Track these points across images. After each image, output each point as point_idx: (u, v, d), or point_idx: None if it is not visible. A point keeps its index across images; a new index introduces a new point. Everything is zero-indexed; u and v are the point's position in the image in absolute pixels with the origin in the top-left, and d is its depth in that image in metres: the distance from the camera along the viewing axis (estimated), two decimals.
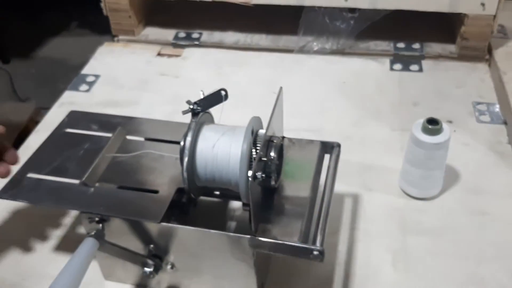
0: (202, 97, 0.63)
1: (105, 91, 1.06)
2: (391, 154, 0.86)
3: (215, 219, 0.75)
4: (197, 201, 0.72)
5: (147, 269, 0.63)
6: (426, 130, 0.72)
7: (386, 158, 0.85)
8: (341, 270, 0.70)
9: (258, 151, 0.59)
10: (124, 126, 0.74)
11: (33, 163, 0.70)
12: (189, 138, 0.60)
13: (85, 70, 1.12)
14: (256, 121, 0.63)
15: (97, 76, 1.09)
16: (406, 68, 1.06)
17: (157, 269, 0.64)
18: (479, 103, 0.96)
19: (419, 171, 0.75)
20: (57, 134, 0.75)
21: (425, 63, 1.07)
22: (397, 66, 1.07)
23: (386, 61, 1.09)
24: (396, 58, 1.09)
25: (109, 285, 0.69)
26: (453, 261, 0.70)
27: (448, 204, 0.78)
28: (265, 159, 0.59)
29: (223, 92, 0.61)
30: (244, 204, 0.67)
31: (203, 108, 0.62)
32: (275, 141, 0.61)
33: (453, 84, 1.01)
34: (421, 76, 1.04)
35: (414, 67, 1.06)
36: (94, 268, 0.65)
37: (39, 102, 1.99)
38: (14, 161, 0.69)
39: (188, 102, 0.62)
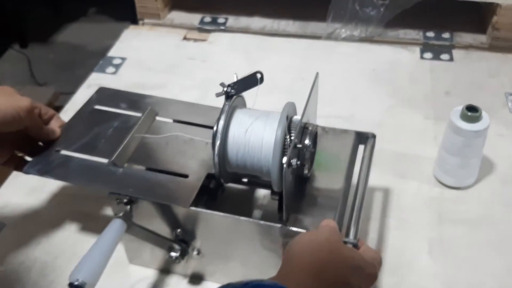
0: (236, 79, 0.61)
1: (132, 74, 1.05)
2: (425, 143, 0.84)
3: (242, 206, 0.73)
4: (225, 187, 0.70)
5: (173, 254, 0.62)
6: (465, 117, 0.71)
7: (420, 147, 0.84)
8: None
9: (293, 137, 0.57)
10: (154, 107, 0.73)
11: (62, 138, 0.69)
12: (221, 122, 0.58)
13: (111, 53, 1.11)
14: (291, 107, 0.61)
15: (123, 59, 1.08)
16: (436, 57, 1.05)
17: (183, 254, 0.63)
18: None
19: (456, 159, 0.74)
20: (86, 111, 0.74)
21: (456, 52, 1.06)
22: (428, 55, 1.05)
23: (416, 49, 1.07)
24: (426, 47, 1.07)
25: (134, 268, 0.69)
26: (490, 251, 0.69)
27: (484, 194, 0.77)
28: (300, 146, 0.57)
29: (258, 75, 0.59)
30: (272, 193, 0.65)
31: (237, 91, 0.60)
32: (310, 128, 0.59)
33: (485, 75, 1.00)
34: (452, 65, 1.03)
35: (445, 56, 1.05)
36: (119, 251, 0.63)
37: (57, 87, 2.03)
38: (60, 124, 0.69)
39: (222, 85, 0.60)
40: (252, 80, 0.59)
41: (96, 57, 1.11)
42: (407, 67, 1.02)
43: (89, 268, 0.53)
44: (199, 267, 0.65)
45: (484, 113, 0.72)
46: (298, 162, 0.55)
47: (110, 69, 1.06)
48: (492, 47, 1.05)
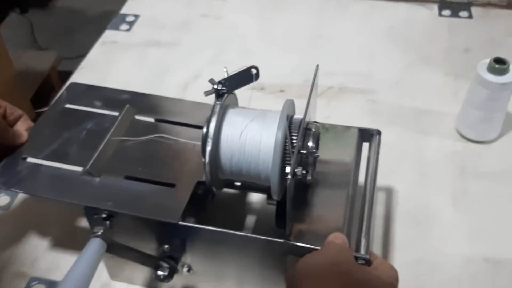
0: (226, 75, 0.53)
1: (146, 31, 1.04)
2: (445, 100, 0.84)
3: (234, 212, 0.67)
4: (214, 194, 0.63)
5: (160, 273, 0.55)
6: (492, 70, 0.70)
7: (440, 104, 0.84)
8: (399, 210, 0.69)
9: (294, 141, 0.50)
10: (132, 104, 0.65)
11: (29, 143, 0.61)
12: (212, 124, 0.51)
13: (124, 10, 1.09)
14: (291, 106, 0.54)
15: (136, 16, 1.07)
16: (455, 14, 1.03)
17: (172, 272, 0.56)
18: None
19: (480, 113, 0.74)
20: (56, 111, 0.66)
21: (474, 9, 1.04)
22: (446, 12, 1.03)
23: (434, 7, 1.05)
24: (443, 4, 1.05)
25: (116, 285, 0.61)
26: None
27: (507, 148, 0.77)
28: (304, 151, 0.50)
29: (254, 70, 0.52)
30: (269, 198, 0.59)
31: (229, 88, 0.53)
32: (313, 129, 0.52)
33: (504, 32, 0.98)
34: (471, 22, 1.02)
35: (463, 13, 1.03)
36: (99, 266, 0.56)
37: (59, 53, 2.00)
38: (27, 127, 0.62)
39: (211, 81, 0.53)
40: (246, 76, 0.52)
41: (97, 22, 1.09)
42: (425, 24, 1.01)
43: None
44: (190, 284, 0.59)
45: (511, 66, 0.71)
46: (304, 171, 0.48)
47: (124, 26, 1.04)
48: (510, 5, 1.03)
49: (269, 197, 0.58)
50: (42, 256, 0.66)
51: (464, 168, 0.74)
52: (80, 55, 1.01)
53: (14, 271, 0.64)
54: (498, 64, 0.70)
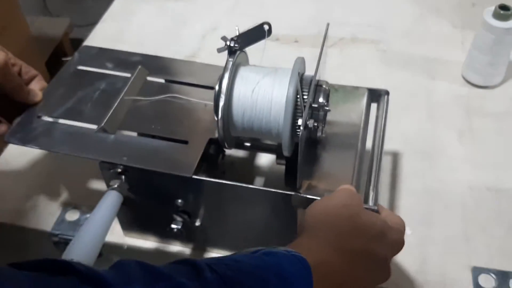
0: (237, 32, 0.54)
1: None
2: (453, 48, 0.88)
3: (243, 172, 0.68)
4: (225, 153, 0.65)
5: (174, 226, 0.57)
6: (497, 16, 0.75)
7: (448, 52, 0.88)
8: (408, 146, 0.73)
9: (305, 96, 0.51)
10: (144, 66, 0.66)
11: (43, 103, 0.62)
12: (225, 81, 0.52)
13: None
14: (301, 63, 0.55)
15: None
16: None
17: (185, 225, 0.57)
18: None
19: (486, 57, 0.78)
20: (68, 72, 0.66)
21: None
22: None
23: None
24: None
25: (130, 241, 0.63)
26: None
27: (510, 91, 0.81)
28: (315, 105, 0.51)
29: (266, 26, 0.52)
30: (278, 157, 0.60)
31: (241, 45, 0.53)
32: (324, 85, 0.53)
33: None
34: None
35: None
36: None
37: (71, 20, 2.00)
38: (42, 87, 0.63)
39: (224, 39, 0.53)
40: (258, 33, 0.53)
41: None
42: None
43: (84, 248, 0.47)
44: (202, 238, 0.60)
45: None
46: (315, 124, 0.50)
47: None
48: None
49: (278, 157, 0.60)
50: (76, 187, 0.69)
51: (469, 109, 0.78)
52: (90, 23, 1.01)
53: (50, 197, 0.68)
54: (503, 10, 0.74)
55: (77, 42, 2.04)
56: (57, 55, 1.88)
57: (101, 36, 0.93)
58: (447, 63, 0.86)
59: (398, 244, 0.48)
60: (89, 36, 0.92)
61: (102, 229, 0.49)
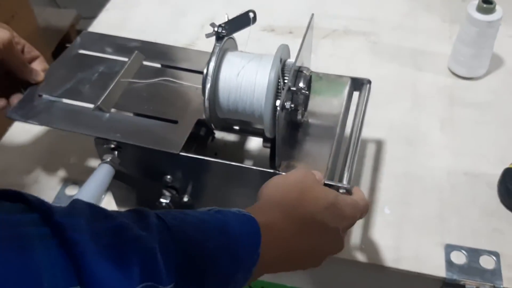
0: (227, 19, 0.58)
1: None
2: (441, 42, 0.92)
3: (232, 155, 0.72)
4: (214, 135, 0.69)
5: (163, 200, 0.61)
6: (480, 9, 0.78)
7: (436, 45, 0.92)
8: (392, 133, 0.76)
9: (286, 81, 0.55)
10: (141, 51, 0.70)
11: (45, 83, 0.66)
12: (212, 64, 0.56)
13: None
14: (284, 50, 0.58)
15: None
16: None
17: (173, 201, 0.61)
18: None
19: (470, 50, 0.81)
20: (70, 55, 0.71)
21: None
22: None
23: None
24: None
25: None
26: (496, 129, 0.77)
27: (493, 83, 0.85)
28: (294, 89, 0.55)
29: (251, 14, 0.56)
30: (264, 140, 0.64)
31: (228, 32, 0.57)
32: (304, 71, 0.57)
33: None
34: None
35: None
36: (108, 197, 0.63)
37: (77, 11, 2.06)
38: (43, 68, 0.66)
39: (212, 25, 0.57)
40: (244, 20, 0.57)
41: None
42: None
43: None
44: None
45: (498, 6, 0.78)
46: (292, 105, 0.53)
47: None
48: None
49: (265, 140, 0.64)
50: (75, 163, 0.73)
51: (452, 99, 0.82)
52: (97, 15, 1.05)
53: (51, 173, 0.72)
54: (486, 4, 0.78)
55: None
56: (64, 46, 1.93)
57: (103, 24, 0.97)
58: (434, 56, 0.89)
59: (350, 219, 0.50)
60: (92, 23, 0.96)
61: (94, 197, 0.53)
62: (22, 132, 0.77)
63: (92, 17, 1.01)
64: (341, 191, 0.53)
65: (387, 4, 1.01)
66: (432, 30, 0.95)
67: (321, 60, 0.60)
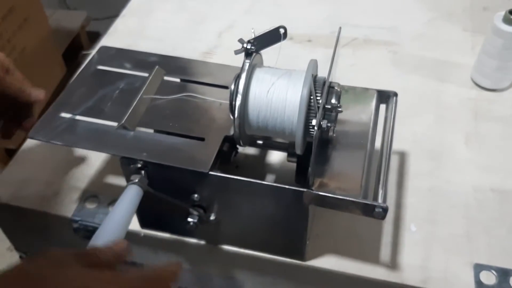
0: (253, 35, 0.57)
1: None
2: (463, 52, 0.91)
3: (253, 168, 0.71)
4: (238, 150, 0.67)
5: (190, 219, 0.59)
6: (507, 20, 0.77)
7: (458, 56, 0.90)
8: (416, 147, 0.75)
9: (318, 97, 0.54)
10: (160, 66, 0.68)
11: (65, 101, 0.65)
12: (242, 81, 0.55)
13: None
14: (315, 65, 0.57)
15: None
16: None
17: (201, 220, 0.60)
18: None
19: (494, 62, 0.81)
20: (88, 72, 0.69)
21: None
22: None
23: None
24: None
25: (146, 233, 0.66)
26: None
27: None
28: (329, 107, 0.53)
29: (282, 30, 0.55)
30: (289, 155, 0.62)
31: (257, 48, 0.56)
32: (335, 87, 0.56)
33: None
34: None
35: None
36: None
37: (88, 12, 2.05)
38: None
39: (241, 41, 0.56)
40: (274, 36, 0.55)
41: None
42: None
43: (108, 237, 0.49)
44: (215, 232, 0.63)
45: None
46: (329, 124, 0.52)
47: None
48: None
49: (289, 155, 0.62)
50: (94, 176, 0.72)
51: (477, 112, 0.81)
52: (107, 17, 1.04)
53: (70, 185, 0.71)
54: None
55: (93, 35, 2.10)
56: (74, 48, 1.94)
57: (120, 31, 0.96)
58: (457, 67, 0.88)
59: None
60: (109, 30, 0.95)
61: (125, 219, 0.52)
62: (39, 143, 0.75)
63: (103, 18, 1.01)
64: (377, 210, 0.52)
65: (407, 13, 1.00)
66: (453, 40, 0.95)
67: (342, 70, 0.59)
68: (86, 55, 2.04)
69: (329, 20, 0.97)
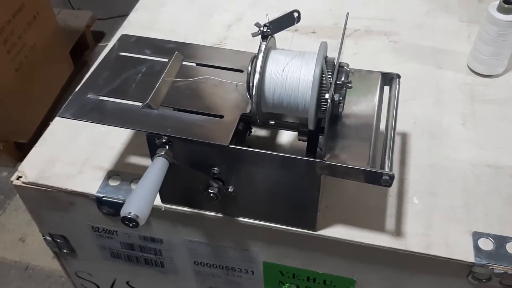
0: (268, 19, 0.61)
1: None
2: (459, 41, 0.97)
3: (265, 148, 0.75)
4: (252, 130, 0.72)
5: (211, 191, 0.64)
6: (501, 9, 0.82)
7: (455, 44, 0.96)
8: (416, 128, 0.81)
9: (329, 76, 0.58)
10: (178, 51, 0.73)
11: (91, 84, 0.69)
12: (259, 62, 0.59)
13: None
14: (325, 47, 0.62)
15: None
16: None
17: (220, 191, 0.64)
18: None
19: (490, 48, 0.86)
20: (111, 57, 0.74)
21: None
22: None
23: None
24: None
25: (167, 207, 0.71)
26: None
27: (511, 81, 0.89)
28: (340, 83, 0.58)
29: (295, 14, 0.60)
30: (300, 134, 0.67)
31: (273, 30, 0.61)
32: (344, 67, 0.61)
33: None
34: None
35: None
36: None
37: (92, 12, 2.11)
38: None
39: (257, 25, 0.61)
40: (288, 19, 0.60)
41: None
42: None
43: (139, 203, 0.54)
44: (232, 205, 0.67)
45: None
46: (340, 98, 0.57)
47: None
48: None
49: (300, 133, 0.67)
50: (116, 156, 0.77)
51: (473, 96, 0.86)
52: (111, 17, 1.09)
53: (94, 165, 0.76)
54: (507, 4, 0.82)
55: (98, 34, 2.15)
56: (80, 46, 2.00)
57: (134, 25, 1.01)
58: (454, 54, 0.93)
59: None
60: (123, 24, 1.00)
61: (153, 189, 0.56)
62: (63, 125, 0.80)
63: (107, 18, 1.05)
64: (384, 177, 0.57)
65: (406, 5, 1.05)
66: (450, 29, 1.00)
67: (346, 59, 0.64)
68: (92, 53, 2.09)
69: (332, 12, 1.02)
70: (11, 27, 1.56)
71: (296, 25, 0.61)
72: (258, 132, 0.78)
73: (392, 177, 0.57)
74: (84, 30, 2.03)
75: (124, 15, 1.05)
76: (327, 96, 0.55)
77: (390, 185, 0.58)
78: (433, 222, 0.68)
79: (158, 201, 0.70)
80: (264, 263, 0.75)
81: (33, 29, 1.67)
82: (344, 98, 0.62)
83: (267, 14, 0.62)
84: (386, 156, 0.59)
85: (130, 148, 0.77)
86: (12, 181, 0.75)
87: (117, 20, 2.15)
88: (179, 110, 0.66)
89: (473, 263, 0.64)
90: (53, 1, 1.96)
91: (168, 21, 1.02)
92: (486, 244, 0.66)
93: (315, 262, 0.72)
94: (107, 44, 0.84)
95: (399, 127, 0.78)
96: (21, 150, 1.73)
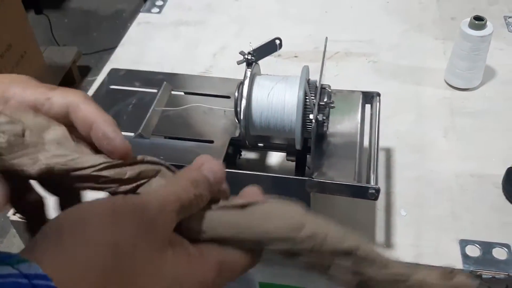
0: (251, 48, 0.65)
1: (175, 13, 1.18)
2: (436, 58, 1.01)
3: (256, 170, 0.78)
4: (241, 153, 0.75)
5: None
6: (473, 26, 0.86)
7: (432, 61, 1.00)
8: (400, 142, 0.84)
9: (312, 97, 0.61)
10: (167, 82, 0.76)
11: None
12: (245, 87, 0.62)
13: None
14: (307, 70, 0.65)
15: (164, 0, 1.22)
16: None
17: None
18: (510, 17, 1.11)
19: (465, 63, 0.90)
20: (102, 91, 0.76)
21: None
22: None
23: None
24: None
25: None
26: (495, 133, 0.85)
27: (488, 93, 0.94)
28: (322, 103, 0.61)
29: (277, 41, 0.63)
30: (288, 154, 0.70)
31: (256, 57, 0.64)
32: (326, 88, 0.64)
33: (485, 3, 1.16)
34: None
35: None
36: None
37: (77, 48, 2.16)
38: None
39: (242, 53, 0.64)
40: (271, 47, 0.64)
41: (110, 21, 1.17)
42: None
43: None
44: None
45: (488, 22, 0.87)
46: (324, 118, 0.60)
47: (155, 10, 1.19)
48: None
49: (289, 154, 0.70)
50: None
51: (452, 109, 0.90)
52: (96, 51, 1.12)
53: (90, 197, 0.74)
54: (478, 21, 0.86)
55: (84, 69, 2.19)
56: (67, 81, 2.02)
57: (121, 58, 1.04)
58: (431, 71, 0.98)
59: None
60: (110, 59, 1.03)
61: None
62: None
63: (92, 52, 1.08)
64: (370, 191, 0.60)
65: (382, 27, 1.10)
66: (426, 47, 1.04)
67: (328, 80, 0.67)
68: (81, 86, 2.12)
69: (312, 37, 1.07)
70: (0, 67, 1.59)
71: (279, 51, 0.64)
72: (248, 155, 0.80)
73: (377, 191, 0.60)
74: (70, 66, 2.06)
75: (108, 49, 1.08)
76: (311, 116, 0.58)
77: (376, 198, 0.60)
78: (421, 232, 0.71)
79: None
80: (261, 283, 0.76)
81: (21, 68, 1.70)
82: (328, 117, 0.65)
83: (250, 43, 0.65)
84: (371, 171, 0.62)
85: None
86: (9, 217, 0.76)
87: (101, 55, 2.20)
88: (170, 138, 0.69)
89: (462, 269, 0.66)
90: (39, 39, 2.01)
91: (155, 54, 1.05)
92: (473, 251, 0.68)
93: (310, 279, 0.74)
94: (94, 79, 0.87)
95: (384, 143, 0.82)
96: None
